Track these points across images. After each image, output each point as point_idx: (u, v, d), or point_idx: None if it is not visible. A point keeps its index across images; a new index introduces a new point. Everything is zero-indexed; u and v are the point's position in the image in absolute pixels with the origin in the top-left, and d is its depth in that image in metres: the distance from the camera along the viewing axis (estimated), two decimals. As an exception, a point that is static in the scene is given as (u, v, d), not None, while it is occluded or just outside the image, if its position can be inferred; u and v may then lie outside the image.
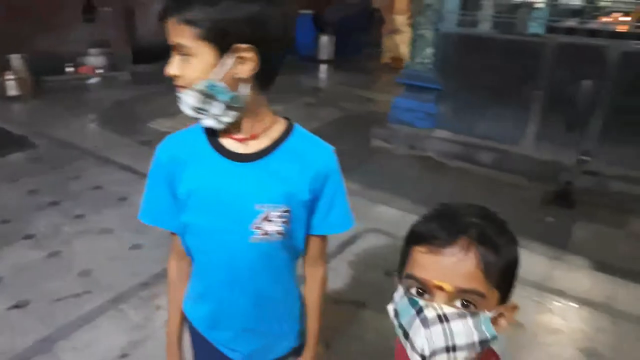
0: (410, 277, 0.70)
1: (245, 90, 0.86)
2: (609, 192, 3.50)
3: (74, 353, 2.05)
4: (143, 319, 2.25)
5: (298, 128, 0.98)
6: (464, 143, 4.22)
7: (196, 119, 0.90)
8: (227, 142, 0.94)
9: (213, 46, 0.82)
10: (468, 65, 4.19)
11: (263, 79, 0.88)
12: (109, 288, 2.46)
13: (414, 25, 4.51)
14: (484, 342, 0.66)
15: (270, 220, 0.93)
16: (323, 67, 8.53)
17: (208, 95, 0.84)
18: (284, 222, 0.93)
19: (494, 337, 0.67)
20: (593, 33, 3.79)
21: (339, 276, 2.57)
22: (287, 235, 0.96)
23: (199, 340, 1.10)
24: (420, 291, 0.69)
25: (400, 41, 8.06)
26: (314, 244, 1.03)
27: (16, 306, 2.32)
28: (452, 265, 0.66)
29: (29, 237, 2.91)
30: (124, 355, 2.04)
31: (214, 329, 1.07)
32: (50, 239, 2.89)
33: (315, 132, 1.01)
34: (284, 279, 1.04)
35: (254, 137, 0.93)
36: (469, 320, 0.65)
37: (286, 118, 0.99)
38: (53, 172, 3.84)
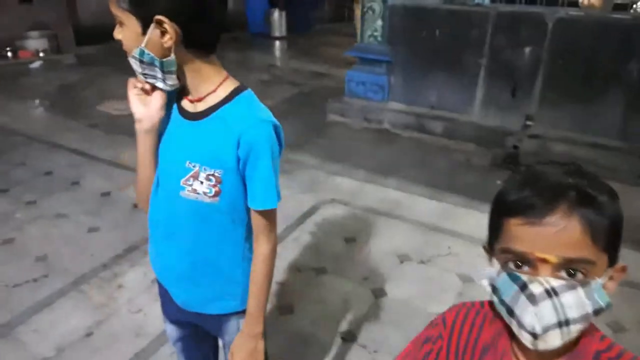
0: (508, 251, 0.63)
1: (172, 57, 0.92)
2: (553, 154, 3.72)
3: (36, 335, 2.03)
4: (106, 298, 2.25)
5: (246, 95, 0.99)
6: (416, 114, 4.35)
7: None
8: (185, 102, 1.02)
9: (136, 17, 0.89)
10: (416, 37, 4.29)
11: (195, 47, 0.93)
12: (68, 271, 2.43)
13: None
14: (598, 311, 0.61)
15: (199, 180, 0.98)
16: (276, 44, 8.46)
17: (145, 62, 0.92)
18: (212, 185, 0.97)
19: (609, 305, 0.61)
20: (532, 1, 3.96)
21: (301, 245, 2.65)
22: (219, 199, 0.98)
23: (159, 283, 1.20)
24: (520, 264, 0.63)
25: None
26: (253, 217, 1.02)
27: (-29, 295, 2.26)
28: (555, 234, 0.59)
29: (-22, 226, 2.81)
30: (89, 334, 2.05)
31: (160, 270, 1.17)
32: (2, 226, 2.80)
33: (270, 109, 1.00)
34: (224, 245, 1.06)
35: (199, 99, 0.98)
36: (580, 291, 0.59)
37: (242, 85, 1.01)
38: (-2, 159, 3.68)
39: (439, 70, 4.21)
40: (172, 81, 0.96)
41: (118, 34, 0.93)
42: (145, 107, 1.00)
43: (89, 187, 3.27)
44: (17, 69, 6.26)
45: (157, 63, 0.92)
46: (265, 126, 0.96)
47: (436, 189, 3.28)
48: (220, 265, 1.08)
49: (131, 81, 1.01)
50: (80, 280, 2.37)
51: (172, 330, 1.26)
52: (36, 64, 6.50)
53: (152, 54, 0.91)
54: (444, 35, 4.12)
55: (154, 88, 0.99)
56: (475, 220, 2.93)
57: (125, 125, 4.35)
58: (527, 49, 3.75)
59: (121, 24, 0.91)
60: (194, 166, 0.98)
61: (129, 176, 3.38)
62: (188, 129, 1.00)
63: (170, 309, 1.19)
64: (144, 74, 0.95)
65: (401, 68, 4.43)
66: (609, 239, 0.61)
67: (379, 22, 4.48)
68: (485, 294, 0.69)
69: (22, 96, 5.21)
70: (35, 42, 6.63)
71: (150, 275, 2.39)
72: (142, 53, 0.91)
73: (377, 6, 4.44)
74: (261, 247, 1.04)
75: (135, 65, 0.94)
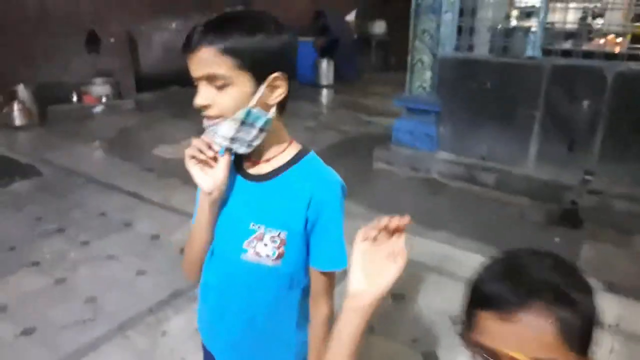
0: (479, 344, 0.62)
1: (273, 114, 0.91)
2: (614, 211, 3.50)
3: (80, 381, 2.03)
4: (150, 345, 2.24)
5: (311, 156, 0.99)
6: (465, 164, 4.25)
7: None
8: (246, 164, 1.00)
9: (251, 75, 0.86)
10: (466, 88, 4.26)
11: (284, 103, 0.94)
12: (114, 315, 2.44)
13: (411, 51, 4.61)
14: None
15: (263, 242, 0.94)
16: (323, 92, 8.66)
17: (245, 123, 0.88)
18: (276, 247, 0.94)
19: None
20: (588, 55, 3.87)
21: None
22: (281, 262, 0.95)
23: (205, 348, 1.16)
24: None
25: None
26: (315, 278, 1.00)
27: (23, 333, 2.31)
28: (527, 334, 0.58)
29: (34, 264, 2.91)
30: (130, 383, 2.03)
31: (210, 339, 1.12)
32: (56, 265, 2.89)
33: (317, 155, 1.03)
34: (279, 310, 1.02)
35: (266, 160, 0.97)
36: None
37: (306, 146, 1.01)
38: (58, 199, 3.87)
39: (490, 121, 4.13)
40: (260, 141, 0.91)
41: (207, 99, 0.86)
42: (210, 178, 0.92)
43: (139, 230, 3.35)
44: (82, 113, 6.69)
45: (261, 123, 0.88)
46: (336, 187, 0.97)
47: (488, 244, 3.13)
48: (274, 332, 1.03)
49: (189, 153, 0.92)
50: (126, 325, 2.37)
51: None
52: (98, 108, 6.93)
53: (259, 113, 0.88)
54: (495, 87, 4.07)
55: (215, 157, 0.93)
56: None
57: (176, 169, 4.53)
58: (585, 103, 3.63)
59: (222, 86, 0.85)
60: (258, 227, 0.95)
61: (178, 219, 3.46)
62: (252, 191, 0.97)
63: None
64: (231, 139, 0.88)
65: (450, 118, 4.39)
66: (582, 340, 0.61)
67: (428, 74, 4.51)
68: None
69: (84, 139, 5.53)
70: (99, 88, 7.09)
71: (194, 323, 2.36)
72: (248, 113, 0.87)
73: (427, 58, 4.48)
74: (322, 308, 1.01)
75: (228, 129, 0.87)
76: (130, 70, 7.59)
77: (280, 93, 0.90)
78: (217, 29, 0.84)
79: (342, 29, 9.11)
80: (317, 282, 1.00)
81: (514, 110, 4.00)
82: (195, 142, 0.91)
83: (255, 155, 0.96)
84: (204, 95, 0.87)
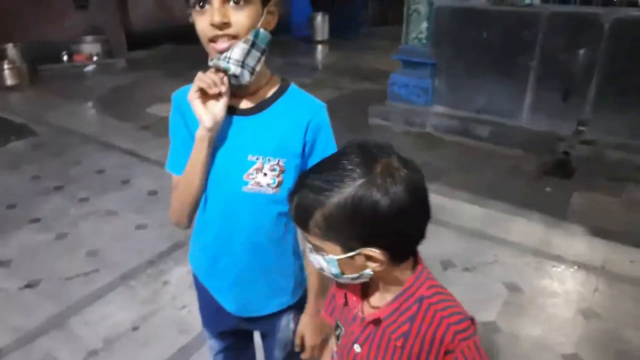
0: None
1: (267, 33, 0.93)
2: (606, 161, 3.54)
3: (87, 327, 2.12)
4: (152, 294, 2.32)
5: (294, 86, 1.04)
6: (460, 118, 4.25)
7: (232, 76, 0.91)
8: (232, 99, 0.98)
9: None
10: (463, 39, 4.19)
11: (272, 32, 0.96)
12: (116, 266, 2.52)
13: (407, 1, 4.50)
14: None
15: (262, 172, 0.98)
16: (319, 47, 8.50)
17: (254, 45, 0.90)
18: (275, 175, 0.98)
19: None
20: (586, 1, 3.78)
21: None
22: (279, 188, 0.99)
23: (201, 290, 1.17)
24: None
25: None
26: None
27: (27, 286, 2.39)
28: None
29: (35, 220, 2.96)
30: (135, 328, 2.11)
31: (211, 277, 1.12)
32: (57, 221, 2.95)
33: None
34: (278, 234, 1.06)
35: (252, 93, 0.98)
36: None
37: (283, 77, 1.04)
38: (55, 158, 3.88)
39: (486, 73, 4.10)
40: (260, 67, 0.93)
41: (226, 16, 0.86)
42: (211, 113, 0.92)
43: (138, 186, 3.38)
44: (73, 72, 6.59)
45: (264, 43, 0.91)
46: (324, 108, 1.04)
47: (482, 195, 3.19)
48: (276, 259, 1.08)
49: (201, 85, 0.90)
50: (128, 275, 2.45)
51: (214, 343, 1.24)
52: (90, 67, 6.82)
53: (265, 34, 0.91)
54: (492, 37, 4.00)
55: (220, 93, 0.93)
56: (522, 228, 2.83)
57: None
58: (581, 51, 3.59)
59: (240, 4, 0.87)
60: (257, 158, 0.97)
61: (175, 176, 3.48)
62: (244, 124, 0.98)
63: (216, 321, 1.19)
64: (242, 63, 0.89)
65: (446, 71, 4.35)
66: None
67: (424, 24, 4.41)
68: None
69: (77, 98, 5.48)
70: (90, 47, 6.95)
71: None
72: (257, 34, 0.89)
73: (423, 8, 4.38)
74: None
75: (241, 52, 0.88)
76: (121, 27, 7.40)
77: (275, 18, 0.94)
78: None
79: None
80: None
81: (510, 61, 3.96)
82: (209, 75, 0.91)
83: (242, 90, 0.97)
84: (222, 12, 0.85)
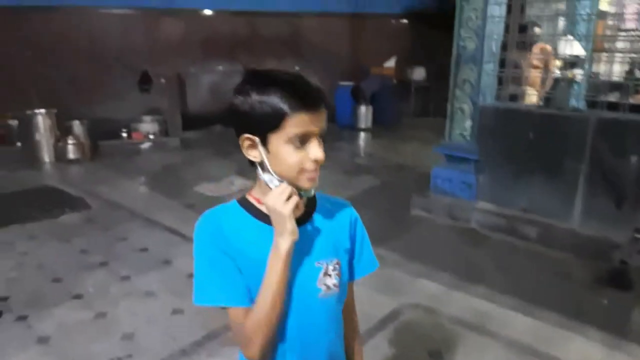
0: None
1: None
2: (666, 272, 3.30)
3: (113, 420, 2.05)
4: (182, 388, 2.24)
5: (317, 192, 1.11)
6: (507, 216, 4.15)
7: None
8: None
9: None
10: (508, 138, 4.22)
11: None
12: (149, 353, 2.48)
13: (451, 99, 4.64)
14: None
15: (329, 275, 1.03)
16: (361, 135, 8.75)
17: None
18: (337, 274, 1.05)
19: None
20: (635, 108, 3.77)
21: (382, 355, 2.49)
22: (340, 286, 1.06)
23: None
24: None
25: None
26: (350, 290, 1.14)
27: (62, 368, 2.37)
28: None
29: (77, 297, 3.01)
30: None
31: None
32: (98, 299, 2.98)
33: (352, 200, 1.18)
34: (341, 333, 1.12)
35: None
36: None
37: None
38: (103, 232, 4.03)
39: (532, 172, 4.05)
40: None
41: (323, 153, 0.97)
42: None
43: (178, 267, 3.42)
44: (130, 148, 7.03)
45: None
46: (351, 204, 1.16)
47: (530, 302, 3.00)
48: (339, 352, 1.12)
49: (292, 197, 0.94)
50: (160, 365, 2.39)
51: None
52: (146, 145, 7.26)
53: None
54: (538, 138, 4.01)
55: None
56: (580, 347, 2.60)
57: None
58: (634, 158, 3.51)
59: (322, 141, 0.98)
60: (322, 264, 1.03)
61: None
62: (303, 232, 0.98)
63: None
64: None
65: (491, 168, 4.33)
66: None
67: (468, 122, 4.50)
68: None
69: (131, 173, 5.78)
70: (148, 126, 7.45)
71: (227, 368, 2.36)
72: None
73: (467, 107, 4.49)
74: (356, 316, 1.21)
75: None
76: (178, 109, 7.96)
77: None
78: (322, 92, 0.98)
79: (381, 77, 9.31)
80: (351, 293, 1.15)
81: (557, 162, 3.91)
82: (288, 187, 0.96)
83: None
84: (321, 149, 0.97)
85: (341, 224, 1.08)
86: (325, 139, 0.99)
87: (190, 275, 3.25)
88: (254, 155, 0.98)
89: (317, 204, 1.07)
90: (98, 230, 4.08)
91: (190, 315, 2.82)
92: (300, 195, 0.97)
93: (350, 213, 1.12)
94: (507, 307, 2.93)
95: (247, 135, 0.97)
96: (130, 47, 7.70)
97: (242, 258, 0.98)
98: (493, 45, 4.35)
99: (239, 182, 5.51)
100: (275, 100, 0.92)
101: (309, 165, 0.95)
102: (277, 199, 0.94)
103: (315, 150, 0.95)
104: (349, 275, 1.11)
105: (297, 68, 8.97)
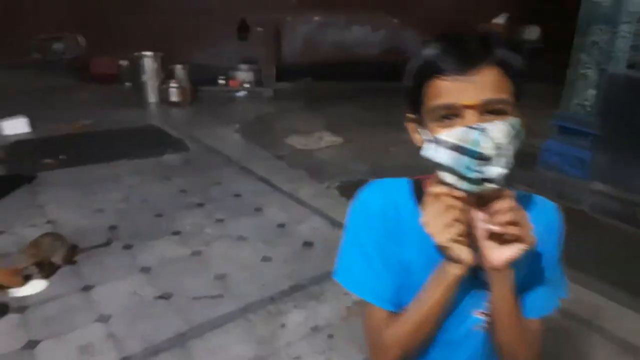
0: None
1: None
2: None
3: (206, 353, 2.15)
4: (269, 334, 2.29)
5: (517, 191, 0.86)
6: (624, 200, 3.69)
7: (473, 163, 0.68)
8: None
9: (516, 106, 0.74)
10: (638, 114, 3.68)
11: None
12: (239, 296, 2.56)
13: (574, 63, 4.11)
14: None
15: (485, 301, 0.83)
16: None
17: (516, 135, 0.72)
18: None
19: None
20: None
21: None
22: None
23: None
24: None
25: None
26: (534, 330, 0.90)
27: (161, 297, 2.53)
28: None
29: (176, 233, 3.18)
30: (249, 367, 2.10)
31: None
32: (194, 238, 3.13)
33: None
34: None
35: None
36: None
37: None
38: (200, 175, 4.20)
39: (665, 155, 3.52)
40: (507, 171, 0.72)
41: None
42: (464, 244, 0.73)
43: (269, 216, 3.48)
44: (226, 96, 7.23)
45: (518, 143, 0.73)
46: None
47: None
48: None
49: (454, 231, 0.70)
50: (249, 308, 2.47)
51: None
52: (241, 93, 7.42)
53: (522, 130, 0.74)
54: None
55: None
56: None
57: (305, 160, 4.65)
58: None
59: (501, 116, 0.70)
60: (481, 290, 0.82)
61: (304, 211, 3.53)
62: None
63: None
64: (498, 148, 0.68)
65: (611, 145, 3.83)
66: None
67: (591, 92, 3.98)
68: None
69: (226, 120, 5.95)
70: (243, 74, 7.59)
71: (311, 322, 2.38)
72: (518, 124, 0.72)
73: (592, 73, 3.96)
74: None
75: (503, 133, 0.69)
76: (272, 59, 7.99)
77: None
78: (498, 46, 0.71)
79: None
80: (534, 334, 0.91)
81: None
82: (448, 200, 0.70)
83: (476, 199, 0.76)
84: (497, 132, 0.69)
85: (541, 239, 0.75)
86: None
87: (280, 225, 3.33)
88: (417, 140, 0.78)
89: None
90: (196, 172, 4.27)
91: (278, 265, 2.87)
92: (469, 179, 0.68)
93: (554, 221, 0.85)
94: (621, 303, 2.62)
95: (407, 114, 0.78)
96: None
97: (400, 251, 0.82)
98: (632, 1, 3.73)
99: (328, 138, 5.45)
100: (414, 64, 0.74)
101: None
102: (434, 222, 0.69)
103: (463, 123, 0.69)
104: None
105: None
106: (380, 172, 4.31)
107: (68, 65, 8.00)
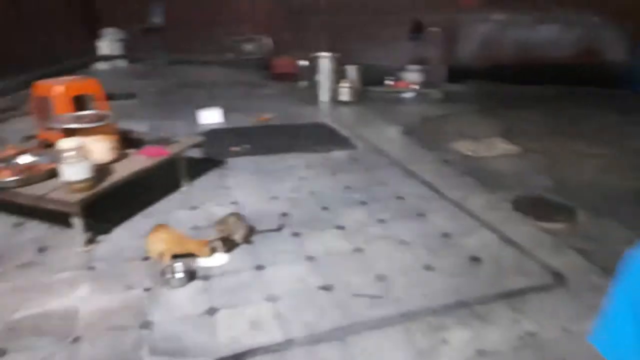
0: None
1: None
2: None
3: (363, 354, 2.14)
4: (429, 347, 2.18)
5: None
6: None
7: None
8: None
9: None
10: None
11: None
12: (399, 301, 2.49)
13: None
14: None
15: None
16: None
17: None
18: None
19: None
20: None
21: None
22: None
23: None
24: None
25: None
26: None
27: (323, 287, 2.61)
28: None
29: (340, 227, 3.26)
30: (405, 377, 2.02)
31: None
32: (356, 235, 3.17)
33: None
34: None
35: None
36: None
37: None
38: (365, 173, 4.25)
39: None
40: None
41: None
42: None
43: (432, 223, 3.34)
44: (393, 96, 7.23)
45: None
46: None
47: None
48: None
49: None
50: (408, 316, 2.38)
51: None
52: (408, 94, 7.34)
53: None
54: None
55: None
56: None
57: (474, 168, 4.37)
58: None
59: None
60: None
61: (472, 223, 3.30)
62: None
63: None
64: None
65: None
66: None
67: None
68: None
69: (392, 121, 5.94)
70: (412, 75, 7.50)
71: (477, 344, 2.19)
72: None
73: None
74: None
75: None
76: (444, 60, 7.73)
77: None
78: None
79: None
80: None
81: None
82: None
83: None
84: None
85: None
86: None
87: (445, 235, 3.16)
88: None
89: None
90: (360, 170, 4.34)
91: (442, 276, 2.73)
92: None
93: None
94: None
95: None
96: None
97: None
98: None
99: (502, 146, 5.04)
100: None
101: None
102: None
103: None
104: None
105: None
106: (566, 190, 3.81)
107: (256, 64, 8.97)
